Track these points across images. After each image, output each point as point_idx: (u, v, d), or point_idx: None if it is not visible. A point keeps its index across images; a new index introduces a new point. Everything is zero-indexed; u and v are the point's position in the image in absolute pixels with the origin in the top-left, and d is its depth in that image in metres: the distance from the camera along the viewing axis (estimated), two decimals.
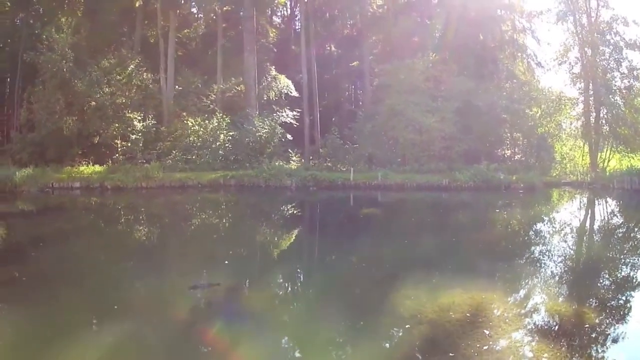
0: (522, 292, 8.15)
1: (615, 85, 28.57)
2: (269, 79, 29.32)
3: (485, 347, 5.57)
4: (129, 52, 25.92)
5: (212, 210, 18.32)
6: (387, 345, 6.19)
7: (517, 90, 27.86)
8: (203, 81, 27.91)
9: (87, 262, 10.09)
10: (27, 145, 24.62)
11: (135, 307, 7.19)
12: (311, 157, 26.63)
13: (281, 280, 9.46)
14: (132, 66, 25.65)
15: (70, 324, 6.40)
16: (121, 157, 24.30)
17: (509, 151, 28.39)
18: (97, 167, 23.37)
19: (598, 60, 28.45)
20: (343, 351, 6.05)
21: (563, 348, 5.56)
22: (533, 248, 12.02)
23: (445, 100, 26.31)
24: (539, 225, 15.22)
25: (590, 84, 28.49)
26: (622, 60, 28.44)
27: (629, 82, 28.43)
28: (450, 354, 5.50)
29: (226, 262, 10.16)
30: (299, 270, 10.35)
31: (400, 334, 6.32)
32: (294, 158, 25.43)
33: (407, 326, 6.37)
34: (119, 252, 11.15)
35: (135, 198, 20.40)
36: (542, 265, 10.15)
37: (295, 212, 18.15)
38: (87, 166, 23.63)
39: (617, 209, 19.11)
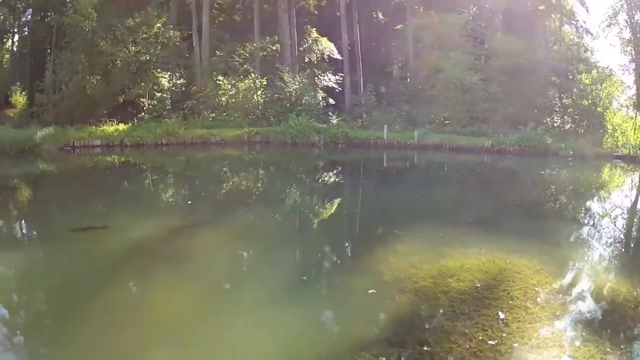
0: (565, 263, 5.69)
1: None
2: (310, 41, 28.15)
3: (491, 342, 3.45)
4: (156, 11, 24.87)
5: (222, 166, 16.66)
6: (344, 318, 4.23)
7: (566, 51, 24.83)
8: (240, 44, 26.56)
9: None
10: (51, 106, 24.12)
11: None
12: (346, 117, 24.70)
13: (258, 229, 7.90)
14: (158, 24, 24.59)
15: None
16: (147, 115, 23.00)
17: (559, 119, 25.28)
18: (121, 126, 22.14)
19: None
20: (282, 319, 4.28)
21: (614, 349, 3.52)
22: (581, 217, 9.55)
23: (488, 59, 24.38)
24: (588, 194, 12.78)
25: None
26: None
27: None
28: (425, 348, 3.42)
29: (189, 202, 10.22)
30: (281, 221, 8.61)
31: (367, 306, 4.36)
32: (334, 120, 23.37)
33: (381, 295, 4.47)
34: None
35: (153, 155, 19.05)
36: (593, 236, 7.75)
37: (315, 167, 16.54)
38: (112, 125, 22.46)
39: None
